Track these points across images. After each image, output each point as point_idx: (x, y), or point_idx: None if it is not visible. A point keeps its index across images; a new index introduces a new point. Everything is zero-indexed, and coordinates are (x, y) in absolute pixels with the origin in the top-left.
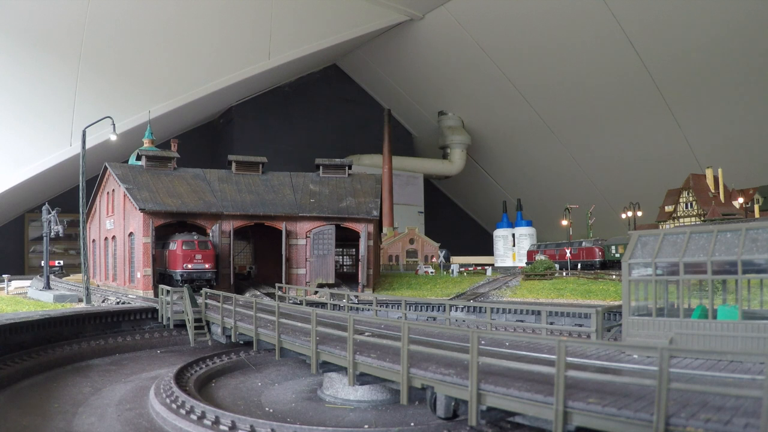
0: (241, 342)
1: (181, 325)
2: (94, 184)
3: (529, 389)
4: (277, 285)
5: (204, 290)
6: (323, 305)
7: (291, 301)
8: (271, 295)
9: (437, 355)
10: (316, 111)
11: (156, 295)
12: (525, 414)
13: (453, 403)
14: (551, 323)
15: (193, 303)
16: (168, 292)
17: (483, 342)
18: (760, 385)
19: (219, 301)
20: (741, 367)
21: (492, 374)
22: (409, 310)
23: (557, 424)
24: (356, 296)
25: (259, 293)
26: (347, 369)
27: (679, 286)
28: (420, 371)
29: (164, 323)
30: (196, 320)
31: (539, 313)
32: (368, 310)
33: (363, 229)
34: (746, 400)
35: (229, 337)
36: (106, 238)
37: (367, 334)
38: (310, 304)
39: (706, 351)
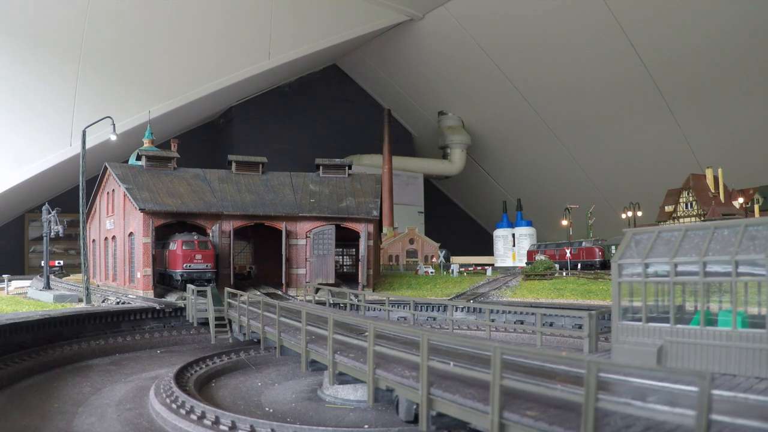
0: (255, 340)
1: (204, 323)
2: (94, 184)
3: (475, 396)
4: (285, 286)
5: (226, 289)
6: (342, 305)
7: (293, 301)
8: (272, 295)
9: (399, 357)
10: (316, 111)
11: (156, 295)
12: (469, 422)
13: (415, 407)
14: (551, 324)
15: (216, 302)
16: (194, 291)
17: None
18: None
19: (239, 301)
20: (730, 382)
21: (448, 378)
22: (409, 309)
23: None
24: (357, 296)
25: (258, 293)
26: (328, 368)
27: (671, 289)
28: (384, 372)
29: (190, 321)
30: (218, 318)
31: (543, 312)
32: (380, 310)
33: (363, 229)
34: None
35: (245, 335)
36: (106, 238)
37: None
38: (332, 304)
39: (638, 367)
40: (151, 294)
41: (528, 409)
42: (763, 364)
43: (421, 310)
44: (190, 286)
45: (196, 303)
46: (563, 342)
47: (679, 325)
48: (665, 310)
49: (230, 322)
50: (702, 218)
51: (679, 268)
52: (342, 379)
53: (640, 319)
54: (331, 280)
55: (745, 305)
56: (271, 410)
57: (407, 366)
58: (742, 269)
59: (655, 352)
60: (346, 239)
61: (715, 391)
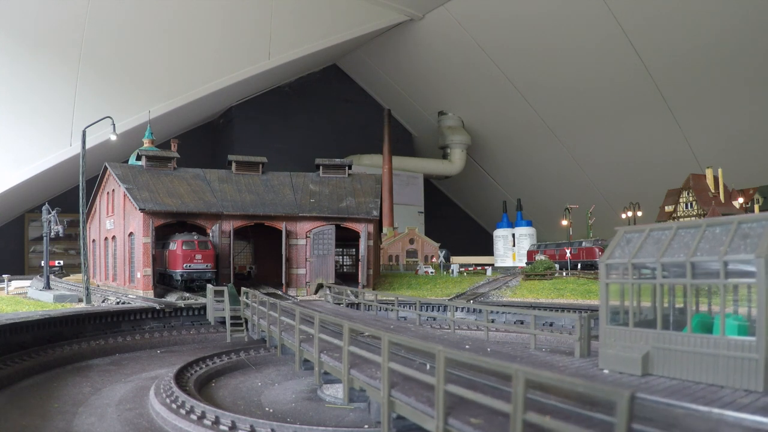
0: (265, 339)
1: (222, 322)
2: (94, 184)
3: (429, 400)
4: (285, 286)
5: (243, 289)
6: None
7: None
8: (272, 295)
9: (368, 357)
10: (316, 111)
11: (156, 295)
12: (423, 426)
13: None
14: (551, 324)
15: (234, 301)
16: (213, 291)
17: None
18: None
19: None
20: (714, 394)
21: (414, 380)
22: (409, 309)
23: None
24: (357, 295)
25: (258, 293)
26: (314, 367)
27: (657, 291)
28: (356, 372)
29: (209, 320)
30: (234, 317)
31: (536, 314)
32: (383, 309)
33: (363, 229)
34: None
35: (257, 333)
36: (106, 238)
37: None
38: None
39: (559, 378)
40: (151, 294)
41: (476, 416)
42: (752, 376)
43: (422, 310)
44: (209, 287)
45: (214, 303)
46: (563, 342)
47: (665, 331)
48: (655, 313)
49: (246, 321)
50: (702, 218)
51: (668, 269)
52: (327, 378)
53: (627, 323)
54: (331, 280)
55: (748, 309)
56: (271, 410)
57: (380, 367)
58: (731, 269)
59: (640, 359)
60: (346, 239)
61: (692, 406)
